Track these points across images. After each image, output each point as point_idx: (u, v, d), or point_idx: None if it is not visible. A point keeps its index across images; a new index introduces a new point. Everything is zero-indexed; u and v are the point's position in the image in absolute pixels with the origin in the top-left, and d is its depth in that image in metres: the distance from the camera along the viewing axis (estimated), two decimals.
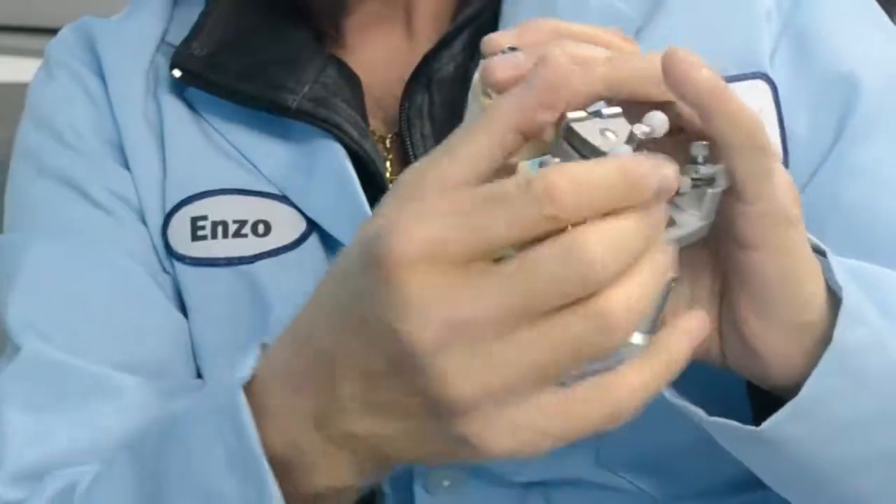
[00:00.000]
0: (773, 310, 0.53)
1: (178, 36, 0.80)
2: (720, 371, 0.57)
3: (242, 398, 0.49)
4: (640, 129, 0.47)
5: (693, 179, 0.49)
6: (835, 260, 0.56)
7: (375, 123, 0.77)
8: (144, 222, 0.77)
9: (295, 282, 0.73)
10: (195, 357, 0.76)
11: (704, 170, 0.50)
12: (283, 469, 0.49)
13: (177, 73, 0.76)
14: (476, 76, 0.52)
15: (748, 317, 0.54)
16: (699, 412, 0.57)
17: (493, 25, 0.75)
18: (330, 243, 0.74)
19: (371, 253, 0.43)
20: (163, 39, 0.81)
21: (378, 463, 0.49)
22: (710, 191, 0.50)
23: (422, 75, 0.74)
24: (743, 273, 0.53)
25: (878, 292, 0.58)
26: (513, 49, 0.51)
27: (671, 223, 0.50)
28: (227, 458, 0.50)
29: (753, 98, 0.73)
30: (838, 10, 0.77)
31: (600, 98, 0.50)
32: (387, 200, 0.46)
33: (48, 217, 0.77)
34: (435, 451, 0.47)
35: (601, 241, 0.42)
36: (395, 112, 0.75)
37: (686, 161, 0.51)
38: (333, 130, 0.73)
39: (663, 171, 0.44)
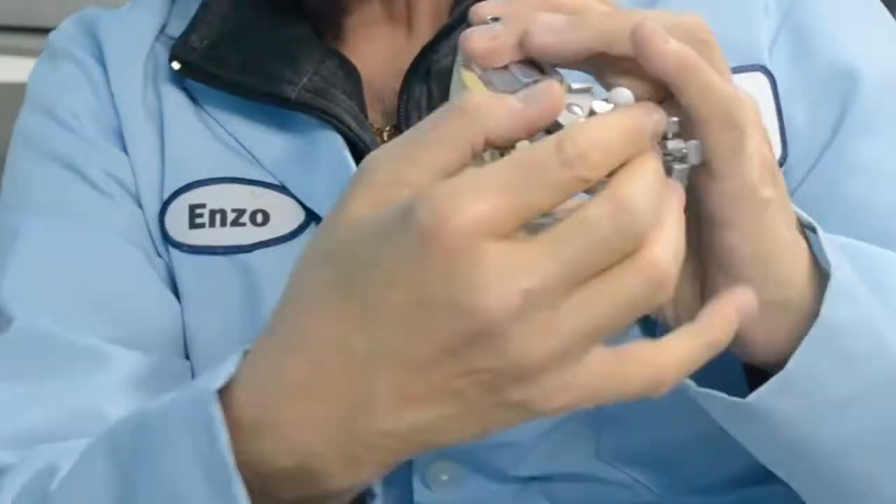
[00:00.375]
0: (755, 291, 0.53)
1: (176, 28, 0.80)
2: None
3: (216, 410, 0.47)
4: (602, 107, 0.47)
5: (663, 155, 0.49)
6: (825, 237, 0.56)
7: (374, 116, 0.77)
8: (141, 207, 0.77)
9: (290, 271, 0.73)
10: (186, 343, 0.76)
11: (672, 145, 0.49)
12: (284, 478, 0.47)
13: (176, 65, 0.76)
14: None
15: None
16: (689, 383, 0.57)
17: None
18: None
19: (423, 234, 0.42)
20: (162, 31, 0.81)
21: (410, 454, 0.47)
22: (676, 166, 0.49)
23: (420, 67, 0.74)
24: (718, 252, 0.53)
25: (872, 272, 0.58)
26: (496, 20, 0.50)
27: None
28: (198, 465, 0.48)
29: (752, 91, 0.73)
30: (838, 4, 0.77)
31: (590, 52, 0.49)
32: (348, 187, 0.46)
33: (44, 196, 0.78)
34: (483, 427, 0.46)
35: (642, 192, 0.43)
36: (394, 105, 0.75)
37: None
38: (332, 121, 0.73)
39: (654, 116, 0.46)
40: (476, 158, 0.46)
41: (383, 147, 0.46)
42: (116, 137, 0.78)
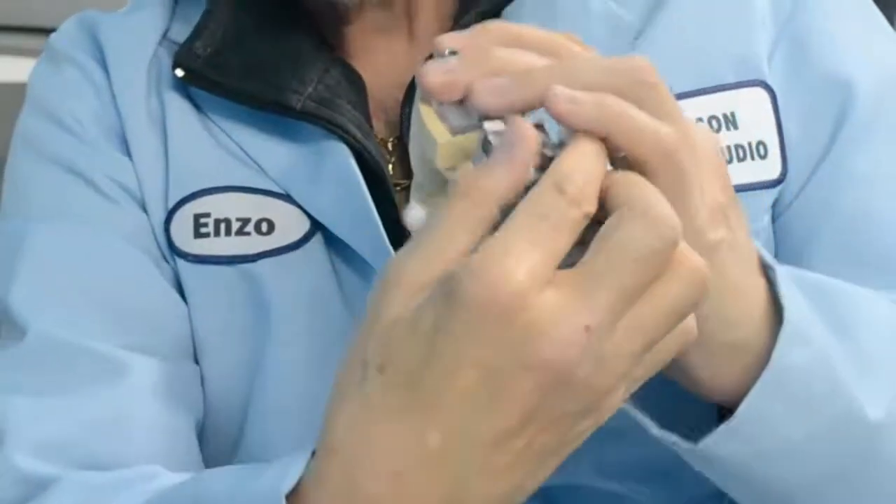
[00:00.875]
0: (699, 333, 0.53)
1: (180, 33, 0.79)
2: None
3: None
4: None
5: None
6: (783, 277, 0.56)
7: (378, 125, 0.77)
8: (146, 213, 0.76)
9: (297, 281, 0.73)
10: (195, 348, 0.76)
11: None
12: None
13: (179, 72, 0.76)
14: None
15: None
16: (648, 424, 0.57)
17: None
18: (333, 244, 0.73)
19: (478, 308, 0.43)
20: (165, 35, 0.81)
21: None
22: None
23: None
24: None
25: (834, 310, 0.58)
26: (453, 52, 0.50)
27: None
28: None
29: (753, 106, 0.73)
30: (836, 16, 0.76)
31: (533, 108, 0.49)
32: (374, 293, 0.47)
33: (49, 202, 0.77)
34: (561, 459, 0.47)
35: (658, 198, 0.45)
36: (397, 115, 0.75)
37: None
38: (337, 131, 0.72)
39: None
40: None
41: (401, 252, 0.47)
42: (120, 142, 0.78)
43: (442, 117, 0.50)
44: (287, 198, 0.74)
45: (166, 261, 0.76)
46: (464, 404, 0.44)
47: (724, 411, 0.58)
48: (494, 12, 0.74)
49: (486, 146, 0.47)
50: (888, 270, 0.71)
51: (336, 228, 0.72)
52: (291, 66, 0.75)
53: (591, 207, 0.45)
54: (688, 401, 0.57)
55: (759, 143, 0.73)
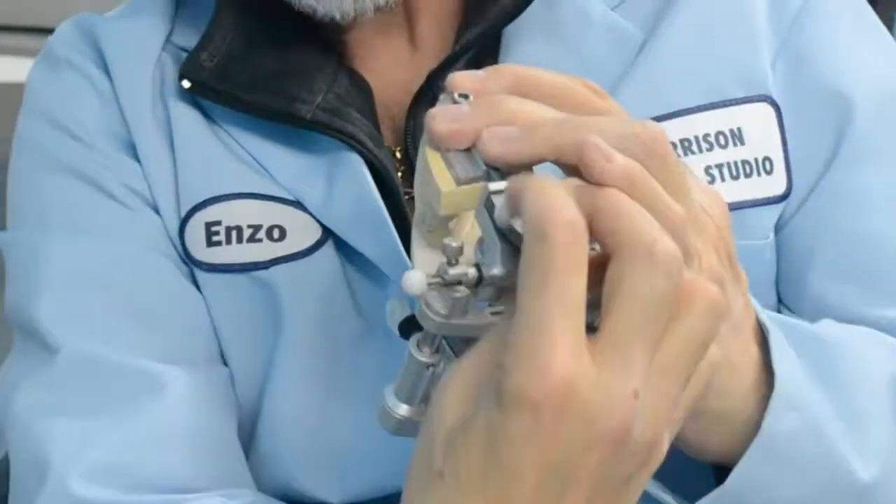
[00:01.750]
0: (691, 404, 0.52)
1: (183, 37, 0.78)
2: None
3: None
4: None
5: None
6: (777, 340, 0.55)
7: (385, 132, 0.76)
8: (161, 217, 0.76)
9: (309, 288, 0.72)
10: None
11: None
12: None
13: (186, 84, 0.74)
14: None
15: None
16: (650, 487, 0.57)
17: (496, 41, 0.75)
18: (345, 251, 0.73)
19: (532, 405, 0.42)
20: (168, 39, 0.79)
21: None
22: None
23: (427, 93, 0.74)
24: None
25: (829, 368, 0.58)
26: (464, 96, 0.49)
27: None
28: None
29: (759, 122, 0.73)
30: (836, 30, 0.76)
31: (543, 161, 0.48)
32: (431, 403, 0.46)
33: (63, 212, 0.76)
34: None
35: (655, 229, 0.43)
36: (403, 122, 0.75)
37: None
38: (349, 141, 0.72)
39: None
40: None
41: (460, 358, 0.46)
42: (128, 148, 0.76)
43: (448, 164, 0.49)
44: (298, 204, 0.73)
45: (185, 263, 0.75)
46: (534, 499, 0.43)
47: (718, 469, 0.58)
48: (498, 25, 0.73)
49: (488, 205, 0.46)
50: (887, 287, 0.71)
51: (350, 237, 0.72)
52: (299, 75, 0.74)
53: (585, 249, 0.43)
54: (685, 458, 0.57)
55: (766, 158, 0.72)
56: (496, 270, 0.45)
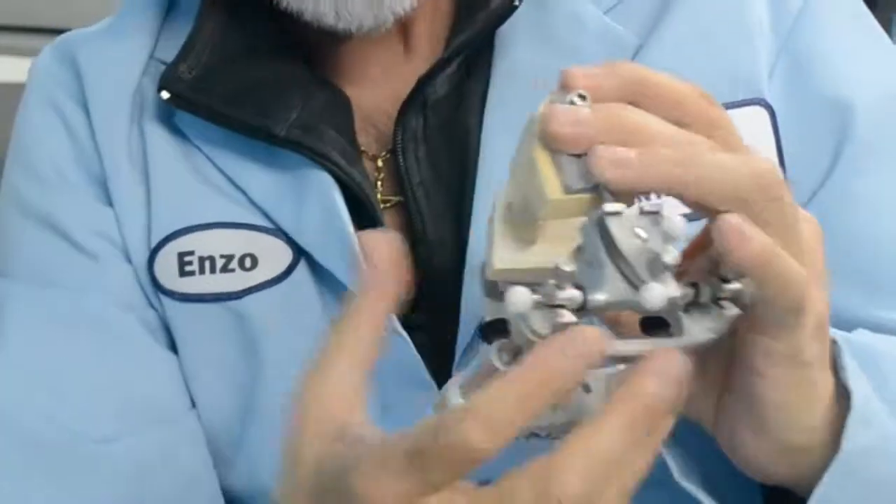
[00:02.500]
0: (767, 431, 0.52)
1: (166, 51, 0.78)
2: None
3: None
4: (671, 255, 0.45)
5: (714, 296, 0.48)
6: (847, 354, 0.54)
7: (366, 142, 0.76)
8: (129, 260, 0.76)
9: (284, 314, 0.73)
10: (189, 390, 0.75)
11: (730, 288, 0.47)
12: None
13: (165, 94, 0.74)
14: (538, 113, 0.48)
15: (741, 429, 0.52)
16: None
17: (489, 45, 0.74)
18: (318, 272, 0.73)
19: None
20: (151, 56, 0.79)
21: None
22: (727, 313, 0.48)
23: (416, 99, 0.73)
24: (741, 389, 0.51)
25: (883, 377, 0.56)
26: (582, 97, 0.47)
27: (678, 329, 0.48)
28: None
29: (753, 125, 0.72)
30: (836, 34, 0.75)
31: (662, 193, 0.46)
32: None
33: (31, 263, 0.76)
34: None
35: (579, 473, 0.41)
36: (388, 130, 0.74)
37: (711, 271, 0.48)
38: (320, 160, 0.71)
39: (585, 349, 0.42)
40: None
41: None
42: (100, 187, 0.77)
43: (558, 167, 0.47)
44: (270, 230, 0.73)
45: (152, 306, 0.75)
46: None
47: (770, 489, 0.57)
48: (490, 28, 0.73)
49: (600, 225, 0.45)
50: (891, 289, 0.70)
51: (320, 257, 0.72)
52: (276, 90, 0.74)
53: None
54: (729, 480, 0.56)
55: None
56: (600, 296, 0.45)
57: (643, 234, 0.45)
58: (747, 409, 0.51)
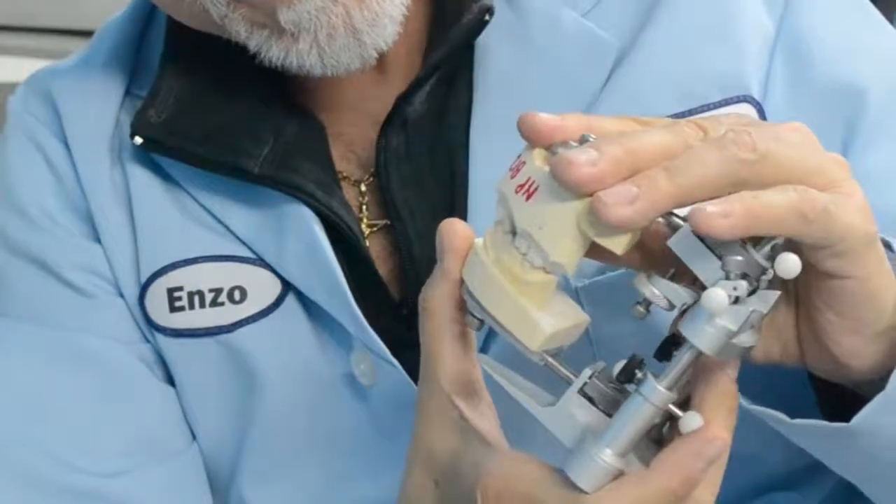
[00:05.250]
0: (861, 325, 0.53)
1: (143, 86, 0.77)
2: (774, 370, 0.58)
3: None
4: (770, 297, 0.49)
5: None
6: None
7: (348, 168, 0.75)
8: (122, 295, 0.75)
9: (276, 344, 0.73)
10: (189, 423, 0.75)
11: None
12: None
13: (138, 140, 0.73)
14: (504, 182, 0.51)
15: (833, 331, 0.54)
16: (782, 417, 0.57)
17: (469, 59, 0.73)
18: (307, 303, 0.73)
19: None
20: (127, 91, 0.78)
21: None
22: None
23: (395, 118, 0.72)
24: (828, 296, 0.53)
25: None
26: (584, 140, 0.49)
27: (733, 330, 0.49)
28: None
29: None
30: (833, 20, 0.75)
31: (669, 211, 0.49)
32: None
33: (25, 301, 0.76)
34: None
35: (721, 428, 0.51)
36: (369, 153, 0.74)
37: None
38: (296, 193, 0.71)
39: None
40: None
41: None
42: (87, 224, 0.76)
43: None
44: (256, 261, 0.73)
45: (147, 340, 0.75)
46: None
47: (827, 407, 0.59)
48: (460, 48, 0.72)
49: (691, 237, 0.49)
50: None
51: (307, 291, 0.72)
52: (246, 126, 0.73)
53: None
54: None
55: None
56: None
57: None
58: (837, 314, 0.53)
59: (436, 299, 0.54)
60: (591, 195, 0.48)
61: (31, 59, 0.83)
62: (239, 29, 0.69)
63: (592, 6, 0.74)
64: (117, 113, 0.78)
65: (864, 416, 0.54)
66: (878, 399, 0.54)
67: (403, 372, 0.70)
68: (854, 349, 0.54)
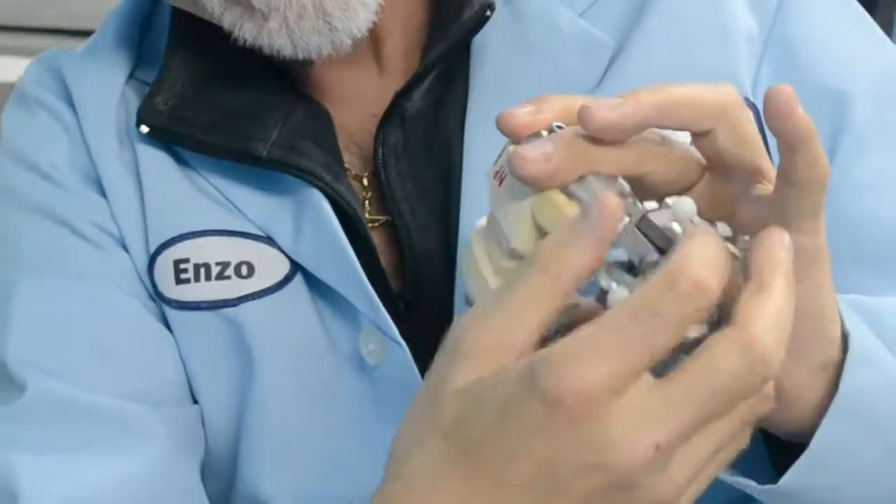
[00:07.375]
0: (804, 347, 0.53)
1: (146, 72, 0.78)
2: None
3: None
4: (724, 230, 0.48)
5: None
6: (842, 305, 0.55)
7: (351, 160, 0.76)
8: (129, 254, 0.76)
9: (280, 323, 0.73)
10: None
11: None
12: None
13: (144, 129, 0.74)
14: (498, 164, 0.51)
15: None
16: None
17: (466, 56, 0.74)
18: (315, 283, 0.73)
19: (550, 402, 0.42)
20: (132, 75, 0.79)
21: None
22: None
23: (394, 114, 0.73)
24: None
25: (883, 329, 0.58)
26: (551, 130, 0.49)
27: None
28: None
29: None
30: (824, 23, 0.75)
31: (649, 126, 0.49)
32: (442, 357, 0.47)
33: (34, 252, 0.76)
34: None
35: (773, 332, 0.43)
36: (369, 148, 0.74)
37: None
38: (306, 177, 0.72)
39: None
40: None
41: (469, 315, 0.46)
42: (96, 185, 0.77)
43: (569, 194, 0.49)
44: (266, 239, 0.74)
45: (154, 301, 0.75)
46: (519, 490, 0.44)
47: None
48: (460, 45, 0.73)
49: (644, 226, 0.47)
50: None
51: (318, 272, 0.72)
52: (254, 112, 0.74)
53: (709, 303, 0.43)
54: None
55: None
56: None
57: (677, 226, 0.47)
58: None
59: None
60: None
61: (31, 59, 0.83)
62: (213, 6, 0.71)
63: (588, 6, 0.75)
64: (122, 90, 0.78)
65: (793, 475, 0.55)
66: (804, 458, 0.55)
67: (409, 355, 0.70)
68: (797, 383, 0.54)
